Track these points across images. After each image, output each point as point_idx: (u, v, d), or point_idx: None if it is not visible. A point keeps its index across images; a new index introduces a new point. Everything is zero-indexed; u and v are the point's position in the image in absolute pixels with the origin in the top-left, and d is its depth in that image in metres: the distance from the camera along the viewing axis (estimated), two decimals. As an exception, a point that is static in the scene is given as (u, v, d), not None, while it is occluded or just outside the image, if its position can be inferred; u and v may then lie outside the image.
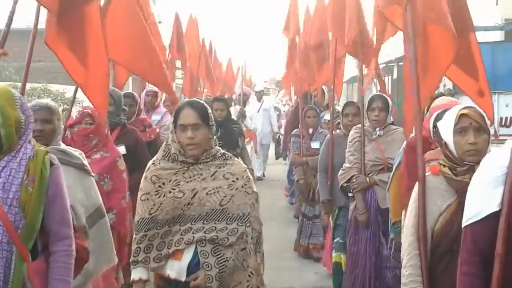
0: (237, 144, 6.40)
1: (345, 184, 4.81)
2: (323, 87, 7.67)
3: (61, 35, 3.73)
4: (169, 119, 6.72)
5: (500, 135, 7.96)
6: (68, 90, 10.56)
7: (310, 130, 6.90)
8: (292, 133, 7.35)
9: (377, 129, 4.71)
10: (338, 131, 5.70)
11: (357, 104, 5.38)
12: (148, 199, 2.94)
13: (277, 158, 13.42)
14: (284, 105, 22.86)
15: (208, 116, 2.95)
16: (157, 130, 6.00)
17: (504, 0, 12.31)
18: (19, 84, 13.44)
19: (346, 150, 4.89)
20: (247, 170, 3.05)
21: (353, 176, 4.73)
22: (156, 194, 2.93)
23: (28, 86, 11.56)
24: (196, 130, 2.89)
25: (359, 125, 4.86)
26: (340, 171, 4.90)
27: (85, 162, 3.44)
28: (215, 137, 3.04)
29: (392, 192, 4.00)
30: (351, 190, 4.74)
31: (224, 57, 18.18)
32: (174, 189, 2.92)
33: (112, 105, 4.80)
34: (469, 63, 3.38)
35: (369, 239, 4.62)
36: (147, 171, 3.03)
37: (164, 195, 2.92)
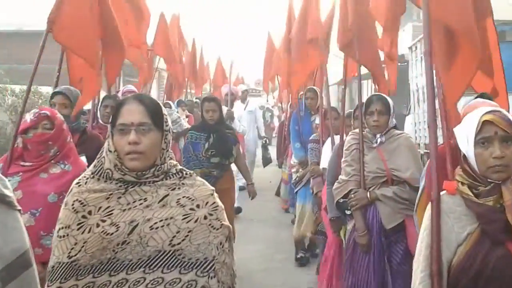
0: (231, 153, 5.84)
1: (342, 200, 4.11)
2: (316, 88, 7.46)
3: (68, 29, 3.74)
4: None
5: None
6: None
7: None
8: (310, 138, 6.39)
9: (378, 135, 4.07)
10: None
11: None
12: (67, 235, 2.04)
13: (265, 165, 12.19)
14: (272, 107, 22.58)
15: (161, 116, 2.11)
16: None
17: (495, 1, 12.38)
18: (9, 86, 13.28)
19: (342, 160, 4.20)
20: (214, 195, 2.18)
21: (350, 190, 4.04)
22: (78, 229, 2.04)
23: (18, 88, 11.59)
24: (142, 134, 2.04)
25: (356, 130, 4.19)
26: (336, 185, 4.18)
27: (7, 192, 2.51)
28: (204, 148, 2.06)
29: (420, 215, 3.17)
30: (349, 208, 4.05)
31: (213, 57, 18.06)
32: (104, 221, 2.03)
33: (68, 107, 4.20)
34: (483, 55, 2.74)
35: (371, 266, 3.89)
36: (68, 195, 2.14)
37: (89, 230, 2.02)
